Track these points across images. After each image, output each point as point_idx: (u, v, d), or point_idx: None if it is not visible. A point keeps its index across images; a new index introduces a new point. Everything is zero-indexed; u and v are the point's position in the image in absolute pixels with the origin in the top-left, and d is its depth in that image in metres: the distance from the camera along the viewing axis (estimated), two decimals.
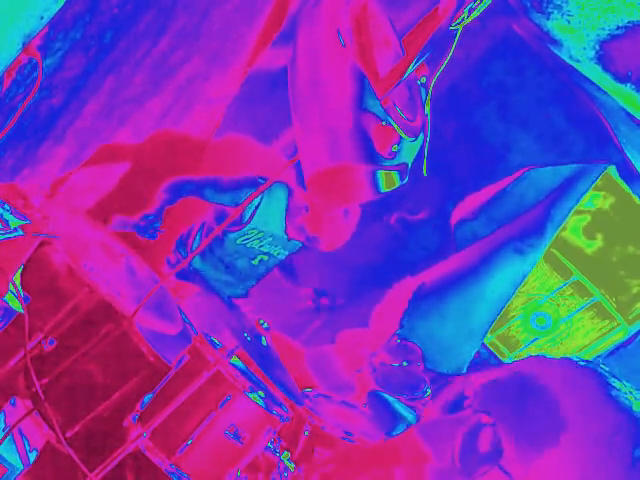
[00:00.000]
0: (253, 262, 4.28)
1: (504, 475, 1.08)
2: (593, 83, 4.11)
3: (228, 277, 4.30)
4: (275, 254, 4.30)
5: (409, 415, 3.84)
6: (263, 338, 3.38)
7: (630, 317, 4.89)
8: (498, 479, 1.09)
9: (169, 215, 4.03)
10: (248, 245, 4.18)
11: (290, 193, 4.18)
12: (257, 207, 4.09)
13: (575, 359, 1.30)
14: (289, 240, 4.27)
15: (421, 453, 1.25)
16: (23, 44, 2.37)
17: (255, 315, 3.65)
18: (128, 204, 3.86)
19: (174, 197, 3.97)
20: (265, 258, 4.28)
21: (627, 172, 4.70)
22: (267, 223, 4.15)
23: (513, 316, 5.00)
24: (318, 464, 3.46)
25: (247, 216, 4.08)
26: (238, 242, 4.15)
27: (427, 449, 1.26)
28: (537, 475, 1.06)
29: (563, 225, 4.73)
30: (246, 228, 4.11)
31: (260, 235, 4.17)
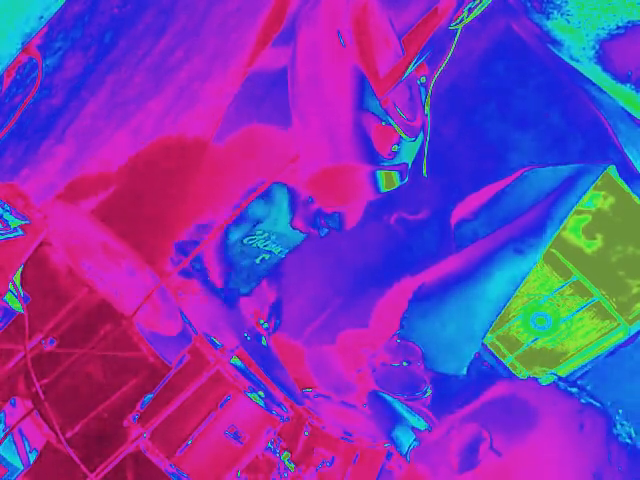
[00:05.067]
0: (256, 261, 4.28)
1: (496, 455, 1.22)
2: (593, 83, 4.10)
3: (233, 277, 4.30)
4: (277, 252, 4.31)
5: (409, 415, 3.84)
6: (263, 338, 3.38)
7: (630, 317, 4.88)
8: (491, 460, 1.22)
9: (169, 215, 4.03)
10: (254, 245, 4.18)
11: (292, 191, 4.17)
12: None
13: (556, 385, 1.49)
14: (294, 232, 4.26)
15: (417, 475, 1.28)
16: (23, 44, 2.36)
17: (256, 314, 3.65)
18: (129, 206, 3.86)
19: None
20: (267, 257, 4.29)
21: (627, 172, 4.70)
22: (275, 223, 4.15)
23: (513, 316, 4.99)
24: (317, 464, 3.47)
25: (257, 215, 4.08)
26: (245, 242, 4.15)
27: (423, 469, 1.29)
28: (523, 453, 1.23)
29: (563, 225, 4.72)
30: (255, 228, 4.11)
31: (266, 235, 4.17)
